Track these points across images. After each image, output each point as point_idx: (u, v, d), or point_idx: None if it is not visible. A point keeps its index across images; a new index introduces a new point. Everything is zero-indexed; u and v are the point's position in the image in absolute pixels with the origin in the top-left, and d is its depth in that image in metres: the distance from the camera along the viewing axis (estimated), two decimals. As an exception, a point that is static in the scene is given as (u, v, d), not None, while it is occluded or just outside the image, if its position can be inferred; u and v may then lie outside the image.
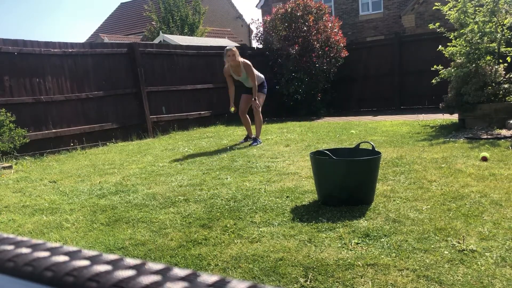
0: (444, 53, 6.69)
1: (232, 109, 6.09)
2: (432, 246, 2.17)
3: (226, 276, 0.27)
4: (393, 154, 4.55)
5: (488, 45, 6.25)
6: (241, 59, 5.88)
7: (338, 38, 10.14)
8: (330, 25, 10.16)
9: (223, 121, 9.36)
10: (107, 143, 7.21)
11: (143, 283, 0.26)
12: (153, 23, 17.75)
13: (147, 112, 7.92)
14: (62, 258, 0.30)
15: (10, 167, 5.25)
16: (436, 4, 6.60)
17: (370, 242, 2.27)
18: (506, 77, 6.21)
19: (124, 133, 7.59)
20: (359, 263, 2.03)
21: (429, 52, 9.13)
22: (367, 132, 6.47)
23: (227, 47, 5.98)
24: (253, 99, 5.93)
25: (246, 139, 6.26)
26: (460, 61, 6.38)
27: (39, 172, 5.01)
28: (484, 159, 4.02)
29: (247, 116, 6.22)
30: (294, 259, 2.11)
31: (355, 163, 2.94)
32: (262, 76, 6.24)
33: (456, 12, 6.34)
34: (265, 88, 6.29)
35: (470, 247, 2.12)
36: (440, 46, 6.76)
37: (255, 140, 6.04)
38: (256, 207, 3.00)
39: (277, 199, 3.16)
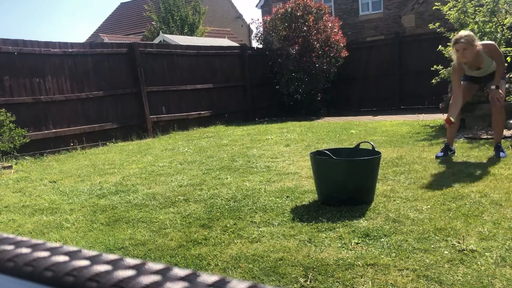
0: (444, 53, 6.68)
1: (452, 119, 3.98)
2: (432, 246, 2.17)
3: (226, 276, 0.26)
4: (393, 154, 4.55)
5: (488, 45, 6.24)
6: (478, 43, 3.92)
7: (338, 38, 10.14)
8: (330, 25, 10.16)
9: (223, 121, 9.37)
10: (107, 143, 7.21)
11: (143, 283, 0.26)
12: (153, 23, 17.75)
13: (147, 112, 7.92)
14: (62, 258, 0.30)
15: (10, 167, 5.25)
16: (436, 4, 6.60)
17: (370, 242, 2.27)
18: (506, 77, 6.21)
19: (124, 133, 7.59)
20: (359, 263, 2.03)
21: (429, 52, 9.13)
22: (367, 132, 6.47)
23: (457, 36, 3.89)
24: (494, 87, 3.97)
25: (446, 151, 4.30)
26: (460, 61, 6.37)
27: (39, 172, 5.01)
28: (448, 121, 3.96)
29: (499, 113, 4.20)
30: (294, 259, 2.11)
31: (355, 163, 2.94)
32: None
33: (456, 12, 6.34)
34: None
35: (470, 247, 2.12)
36: (440, 46, 6.76)
37: (499, 148, 4.15)
38: (256, 207, 3.00)
39: (277, 199, 3.16)
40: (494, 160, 4.02)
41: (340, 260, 2.07)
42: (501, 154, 4.11)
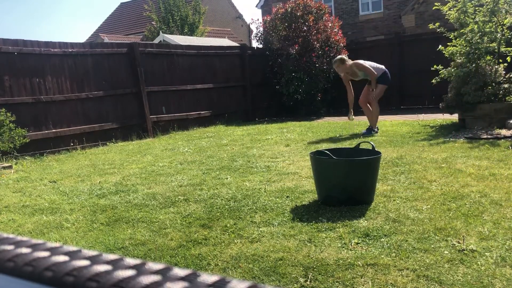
0: (444, 53, 6.68)
1: (351, 117, 6.60)
2: (432, 246, 2.17)
3: (226, 276, 0.26)
4: (393, 154, 4.55)
5: (488, 45, 6.25)
6: (349, 63, 6.21)
7: (338, 38, 10.14)
8: (330, 25, 10.16)
9: (223, 121, 9.36)
10: (107, 143, 7.21)
11: (143, 283, 0.26)
12: (153, 23, 17.75)
13: (147, 112, 7.92)
14: (62, 258, 0.30)
15: (10, 167, 5.25)
16: (436, 4, 6.60)
17: (370, 242, 2.27)
18: (506, 77, 6.21)
19: (124, 133, 7.59)
20: (359, 263, 2.03)
21: (429, 52, 9.12)
22: (367, 132, 6.47)
23: (333, 60, 6.41)
24: (371, 89, 6.19)
25: (370, 131, 6.26)
26: (460, 61, 6.38)
27: (39, 172, 5.01)
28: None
29: (368, 106, 6.34)
30: (294, 259, 2.11)
31: (355, 163, 2.94)
32: (381, 66, 6.35)
33: (456, 12, 6.34)
34: (385, 78, 6.29)
35: (470, 247, 2.12)
36: (440, 46, 6.76)
37: (369, 130, 6.20)
38: (256, 207, 3.00)
39: (277, 199, 3.16)
40: (494, 160, 4.02)
41: (340, 260, 2.07)
42: (367, 133, 6.15)
